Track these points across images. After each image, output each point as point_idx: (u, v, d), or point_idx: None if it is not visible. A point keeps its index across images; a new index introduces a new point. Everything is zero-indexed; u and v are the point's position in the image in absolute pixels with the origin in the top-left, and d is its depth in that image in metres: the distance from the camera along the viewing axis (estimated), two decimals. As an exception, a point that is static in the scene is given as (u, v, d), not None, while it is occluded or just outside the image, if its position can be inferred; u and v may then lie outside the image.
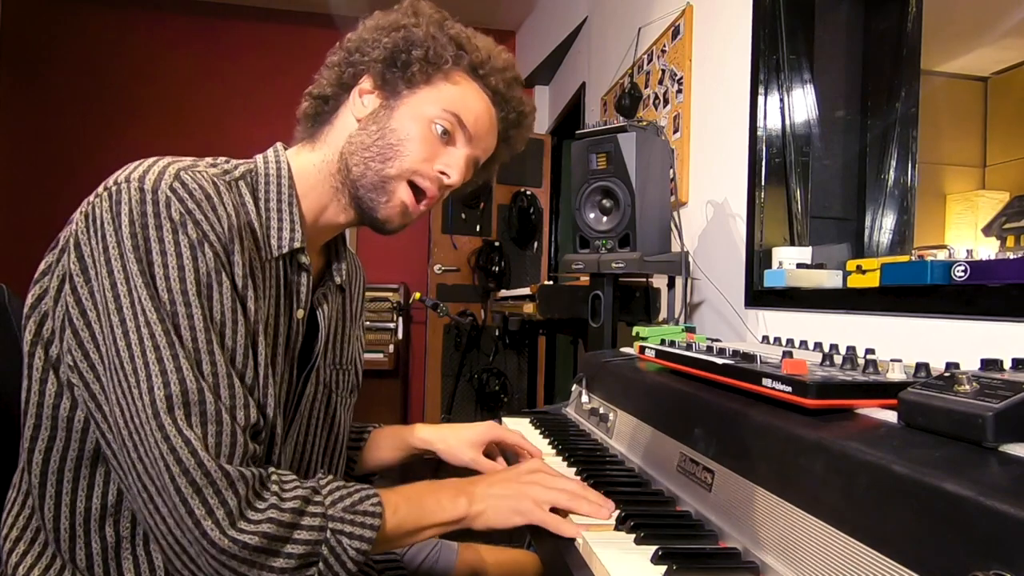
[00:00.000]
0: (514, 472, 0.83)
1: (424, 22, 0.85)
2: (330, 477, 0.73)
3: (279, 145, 0.86)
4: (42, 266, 0.71)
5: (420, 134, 0.83)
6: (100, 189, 0.68)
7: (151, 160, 0.70)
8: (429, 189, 0.85)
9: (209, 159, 0.79)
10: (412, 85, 0.83)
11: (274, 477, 0.67)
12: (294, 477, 0.69)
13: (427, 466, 1.07)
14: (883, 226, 1.62)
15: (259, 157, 0.84)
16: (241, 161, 0.82)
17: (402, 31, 0.83)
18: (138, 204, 0.65)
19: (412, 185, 0.84)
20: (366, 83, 0.85)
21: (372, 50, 0.84)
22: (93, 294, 0.66)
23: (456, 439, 1.04)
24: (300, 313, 0.83)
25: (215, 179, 0.73)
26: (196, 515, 0.61)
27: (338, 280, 0.91)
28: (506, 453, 1.07)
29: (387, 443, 1.08)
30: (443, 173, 0.84)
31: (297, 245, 0.80)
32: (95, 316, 0.66)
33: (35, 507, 0.72)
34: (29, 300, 0.71)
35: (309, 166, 0.84)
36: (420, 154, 0.83)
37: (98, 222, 0.66)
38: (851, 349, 0.82)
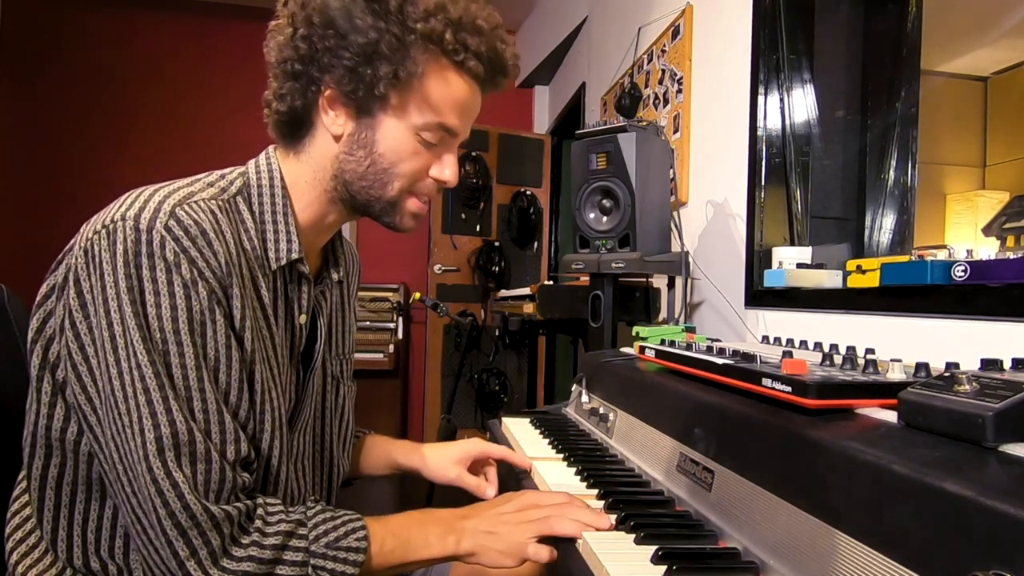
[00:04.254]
0: (505, 508, 0.80)
1: (381, 13, 0.73)
2: (318, 507, 0.73)
3: (271, 150, 0.84)
4: (44, 288, 0.72)
5: (410, 151, 0.80)
6: (99, 225, 0.68)
7: (148, 193, 0.70)
8: (429, 197, 0.85)
9: (204, 178, 0.78)
10: (384, 102, 0.77)
11: (259, 511, 0.68)
12: (280, 509, 0.70)
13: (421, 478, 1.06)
14: (883, 226, 1.62)
15: (251, 165, 0.82)
16: (237, 172, 0.81)
17: (358, 36, 0.73)
18: (133, 244, 0.66)
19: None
20: (330, 93, 0.77)
21: (330, 62, 0.75)
22: (91, 330, 0.67)
23: (442, 458, 1.03)
24: (302, 319, 0.84)
25: (213, 206, 0.72)
26: (180, 556, 0.63)
27: (336, 278, 0.92)
28: (499, 464, 1.06)
29: (376, 454, 1.08)
30: (438, 180, 0.84)
31: (295, 256, 0.80)
32: (92, 353, 0.67)
33: (40, 521, 0.73)
34: (34, 324, 0.71)
35: (301, 181, 0.82)
36: (414, 171, 0.81)
37: (96, 260, 0.66)
38: (851, 349, 0.82)
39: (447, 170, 0.83)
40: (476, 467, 1.05)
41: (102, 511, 0.73)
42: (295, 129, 0.82)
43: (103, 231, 0.67)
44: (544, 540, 0.75)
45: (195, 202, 0.70)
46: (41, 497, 0.73)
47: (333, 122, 0.79)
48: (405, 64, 0.75)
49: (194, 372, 0.66)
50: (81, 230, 0.70)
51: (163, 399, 0.64)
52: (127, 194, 0.71)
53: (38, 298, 0.72)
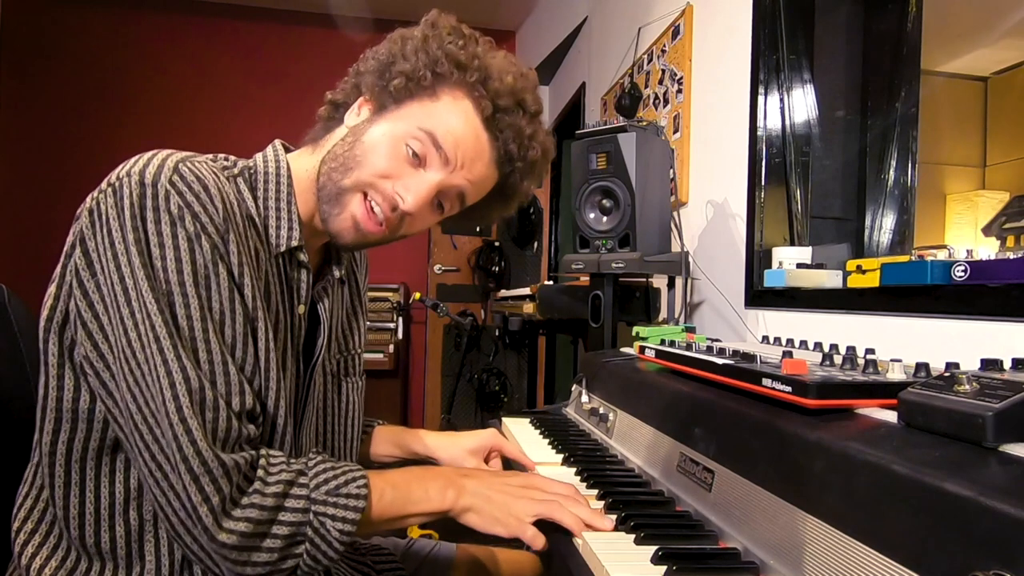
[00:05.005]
0: (510, 480, 0.81)
1: (423, 34, 0.82)
2: (320, 458, 0.74)
3: (277, 143, 0.86)
4: (59, 268, 0.73)
5: (388, 150, 0.79)
6: (104, 184, 0.70)
7: (152, 153, 0.72)
8: (381, 207, 0.79)
9: (209, 156, 0.80)
10: (398, 101, 0.81)
11: (262, 461, 0.69)
12: (282, 460, 0.71)
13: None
14: (883, 226, 1.62)
15: (258, 155, 0.84)
16: (240, 160, 0.83)
17: (398, 43, 0.82)
18: (139, 198, 0.67)
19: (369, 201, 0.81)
20: (366, 94, 0.84)
21: (370, 62, 0.84)
22: (100, 287, 0.68)
23: (457, 448, 1.05)
24: (301, 309, 0.84)
25: (215, 171, 0.74)
26: (193, 501, 0.64)
27: (338, 274, 0.92)
28: (505, 462, 1.07)
29: (389, 441, 1.09)
30: (398, 195, 0.79)
31: (295, 243, 0.81)
32: (102, 309, 0.68)
33: (53, 499, 0.74)
34: (46, 300, 0.72)
35: (302, 171, 0.84)
36: (380, 169, 0.79)
37: (103, 217, 0.68)
38: (851, 349, 0.82)
39: (412, 187, 0.79)
40: (487, 459, 1.07)
41: (113, 487, 0.73)
42: (329, 121, 0.88)
43: (108, 189, 0.69)
44: (539, 526, 0.75)
45: (198, 161, 0.73)
46: (52, 473, 0.73)
47: (355, 116, 0.84)
48: (420, 66, 0.80)
49: (199, 323, 0.67)
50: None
51: (173, 347, 0.65)
52: (130, 158, 0.72)
53: (53, 275, 0.73)
